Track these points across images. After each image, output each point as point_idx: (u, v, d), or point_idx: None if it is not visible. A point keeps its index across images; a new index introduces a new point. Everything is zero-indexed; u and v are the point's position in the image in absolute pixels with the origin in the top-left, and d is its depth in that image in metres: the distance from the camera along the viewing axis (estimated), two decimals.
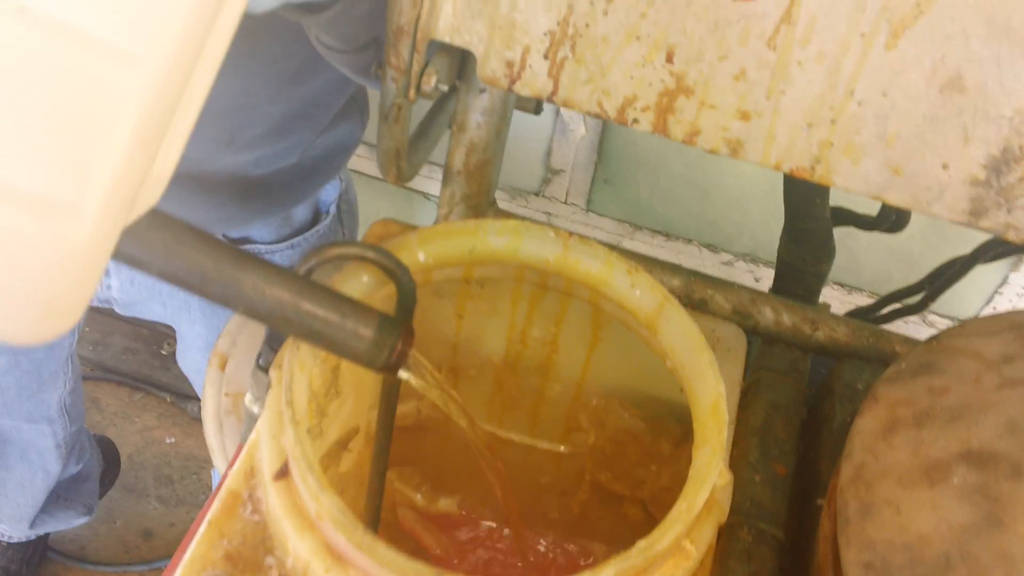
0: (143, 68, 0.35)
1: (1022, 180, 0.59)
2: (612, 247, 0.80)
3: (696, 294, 0.81)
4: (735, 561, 0.65)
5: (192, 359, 1.25)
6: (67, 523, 1.54)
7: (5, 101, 0.33)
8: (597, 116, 0.65)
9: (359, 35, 0.69)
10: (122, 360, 1.90)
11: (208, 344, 1.19)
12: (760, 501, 0.69)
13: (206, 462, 1.79)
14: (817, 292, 0.83)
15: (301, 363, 0.59)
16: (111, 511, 1.70)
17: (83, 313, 0.42)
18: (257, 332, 0.97)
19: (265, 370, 0.66)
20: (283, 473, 0.57)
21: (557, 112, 1.38)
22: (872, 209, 0.86)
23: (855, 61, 0.59)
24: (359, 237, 1.26)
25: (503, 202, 1.52)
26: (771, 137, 0.63)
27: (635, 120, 0.65)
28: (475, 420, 0.72)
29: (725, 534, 0.67)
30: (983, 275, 1.26)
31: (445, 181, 0.79)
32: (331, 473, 0.77)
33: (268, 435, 0.59)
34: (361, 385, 0.77)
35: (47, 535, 1.61)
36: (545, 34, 0.63)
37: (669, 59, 0.62)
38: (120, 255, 0.50)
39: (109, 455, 1.67)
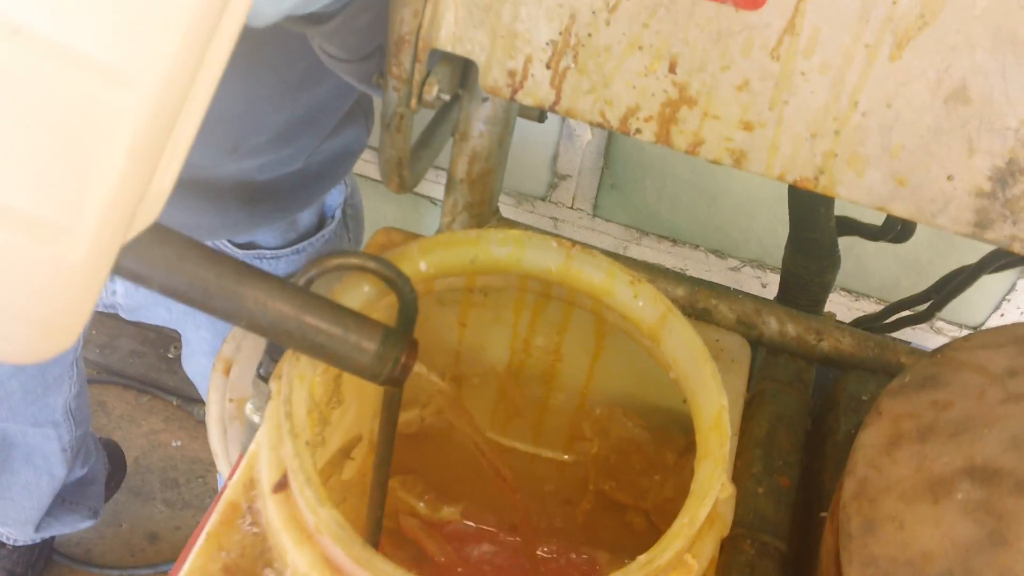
0: (139, 88, 0.35)
1: None
2: (616, 257, 0.79)
3: (700, 303, 0.80)
4: (738, 574, 0.65)
5: (198, 363, 1.25)
6: (72, 526, 1.54)
7: None
8: (600, 126, 0.65)
9: (362, 45, 0.69)
10: (129, 363, 1.90)
11: (213, 349, 1.19)
12: (763, 513, 0.68)
13: (212, 466, 1.79)
14: (822, 302, 0.83)
15: (300, 374, 0.59)
16: (117, 514, 1.71)
17: (81, 331, 0.42)
18: (261, 338, 0.97)
19: (265, 380, 0.66)
20: (282, 485, 0.57)
21: (563, 117, 1.37)
22: (877, 219, 0.86)
23: (859, 72, 0.59)
24: (364, 241, 1.26)
25: (509, 207, 1.52)
26: (774, 148, 0.63)
27: (638, 130, 0.64)
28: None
29: (728, 547, 0.66)
30: (991, 282, 1.25)
31: (448, 190, 0.79)
32: (333, 481, 0.77)
33: (267, 447, 0.59)
34: (364, 393, 0.77)
35: (52, 538, 1.62)
36: (547, 44, 0.63)
37: (672, 69, 0.62)
38: (121, 270, 0.50)
39: (115, 458, 1.67)
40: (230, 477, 0.61)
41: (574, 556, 0.98)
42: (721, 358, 0.76)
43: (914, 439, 0.56)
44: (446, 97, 0.66)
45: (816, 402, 0.78)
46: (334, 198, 1.13)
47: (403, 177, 0.71)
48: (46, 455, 1.38)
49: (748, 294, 0.81)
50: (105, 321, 1.92)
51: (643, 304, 0.66)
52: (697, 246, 1.49)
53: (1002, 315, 1.41)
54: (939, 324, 1.44)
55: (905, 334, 1.25)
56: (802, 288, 0.81)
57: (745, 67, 0.61)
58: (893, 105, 0.59)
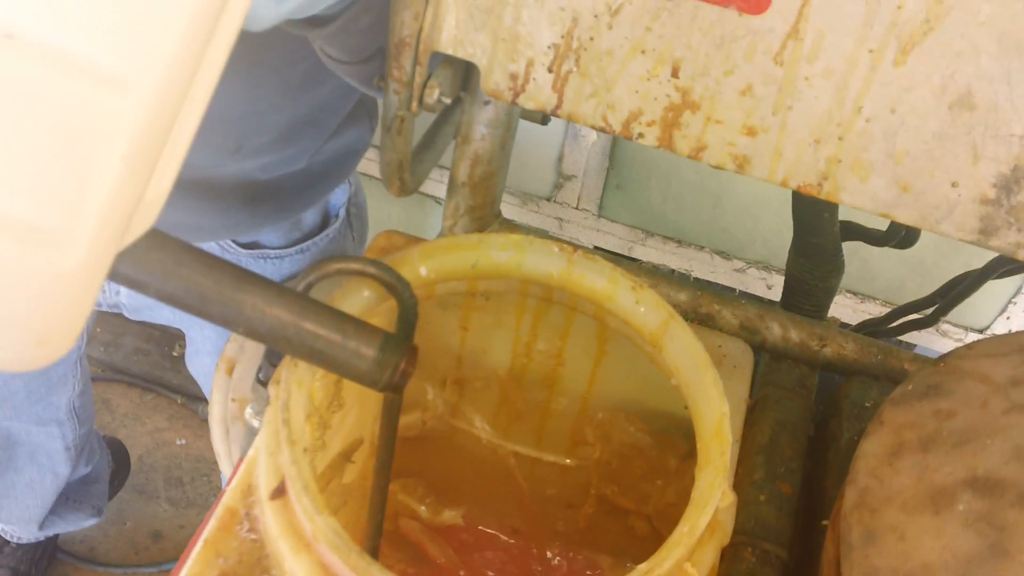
0: (135, 94, 0.35)
1: None
2: (619, 261, 0.79)
3: (703, 308, 0.80)
4: None
5: (201, 363, 1.25)
6: (76, 524, 1.54)
7: None
8: (602, 130, 0.64)
9: (363, 47, 0.69)
10: (133, 361, 1.90)
11: (217, 348, 1.19)
12: (765, 521, 0.68)
13: (216, 464, 1.79)
14: (826, 307, 0.82)
15: (299, 380, 0.59)
16: (121, 512, 1.71)
17: (77, 338, 0.41)
18: None
19: (264, 384, 0.66)
20: (280, 492, 0.56)
21: None
22: (882, 224, 0.85)
23: (863, 77, 0.58)
24: (368, 241, 1.26)
25: (514, 207, 1.52)
26: (778, 153, 0.62)
27: (640, 135, 0.64)
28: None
29: (728, 555, 0.66)
30: (997, 284, 1.24)
31: (449, 193, 0.79)
32: (334, 485, 0.77)
33: (265, 453, 0.59)
34: (365, 396, 0.76)
35: (56, 536, 1.62)
36: (549, 47, 0.62)
37: (674, 74, 0.61)
38: (117, 276, 0.50)
39: (119, 456, 1.67)
40: (228, 483, 0.61)
41: (576, 559, 0.98)
42: (724, 364, 0.76)
43: (916, 449, 0.55)
44: (447, 100, 0.65)
45: (819, 408, 0.77)
46: (338, 197, 1.13)
47: (404, 180, 0.71)
48: (50, 453, 1.38)
49: (751, 300, 0.81)
50: (109, 319, 1.93)
51: (645, 310, 0.66)
52: (702, 247, 1.48)
53: (1008, 318, 1.40)
54: (945, 327, 1.44)
55: (910, 336, 1.24)
56: (806, 293, 0.80)
57: (748, 72, 0.60)
58: (897, 111, 0.59)
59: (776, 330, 0.79)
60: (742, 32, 0.59)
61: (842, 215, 0.81)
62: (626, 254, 1.53)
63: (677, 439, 0.80)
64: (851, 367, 0.78)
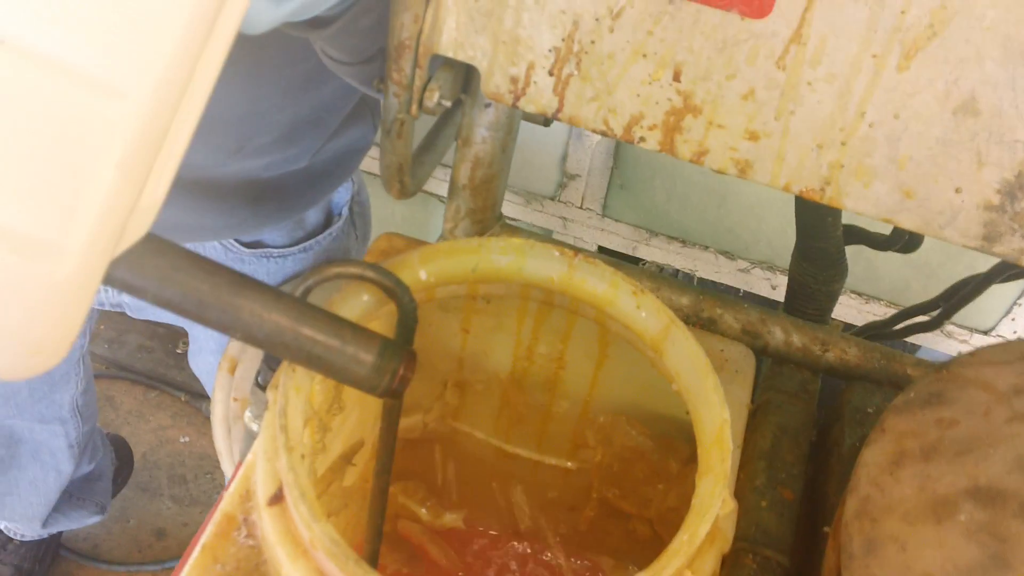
0: (128, 101, 0.34)
1: None
2: (620, 264, 0.79)
3: (705, 312, 0.79)
4: None
5: (204, 361, 1.25)
6: (80, 522, 1.54)
7: None
8: (603, 134, 0.64)
9: (364, 48, 0.69)
10: (137, 358, 1.90)
11: (220, 346, 1.19)
12: (766, 527, 0.67)
13: (220, 462, 1.79)
14: (829, 311, 0.82)
15: (297, 385, 0.58)
16: (124, 510, 1.71)
17: (70, 347, 0.41)
18: None
19: (263, 388, 0.66)
20: (278, 498, 0.56)
21: None
22: (885, 228, 0.84)
23: (866, 82, 0.58)
24: (371, 240, 1.25)
25: (518, 206, 1.51)
26: (780, 158, 0.62)
27: (642, 139, 0.63)
28: None
29: (729, 561, 0.66)
30: (1002, 286, 1.24)
31: (450, 195, 0.78)
32: (334, 488, 0.77)
33: (263, 458, 0.58)
34: (365, 399, 0.76)
35: (60, 534, 1.62)
36: (550, 50, 0.62)
37: (676, 77, 0.61)
38: (114, 282, 0.50)
39: (122, 454, 1.67)
40: (226, 488, 0.60)
41: (577, 562, 0.98)
42: (725, 368, 0.75)
43: (918, 458, 0.55)
44: (447, 103, 0.65)
45: (821, 413, 0.77)
46: (341, 196, 1.13)
47: (404, 183, 0.70)
48: (53, 451, 1.38)
49: (753, 304, 0.80)
50: (113, 316, 1.93)
51: (646, 315, 0.65)
52: (706, 247, 1.47)
53: (1013, 319, 1.39)
54: (949, 328, 1.43)
55: (915, 337, 1.23)
56: (809, 297, 0.80)
57: (751, 76, 0.60)
58: (901, 116, 0.58)
59: (778, 334, 0.78)
60: (744, 36, 0.58)
61: (845, 219, 0.80)
62: (630, 254, 1.52)
63: (679, 443, 0.80)
64: (854, 372, 0.77)
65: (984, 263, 0.86)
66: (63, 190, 0.34)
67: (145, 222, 0.41)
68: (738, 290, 1.51)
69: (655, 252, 1.50)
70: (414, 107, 0.65)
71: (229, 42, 0.39)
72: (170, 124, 0.37)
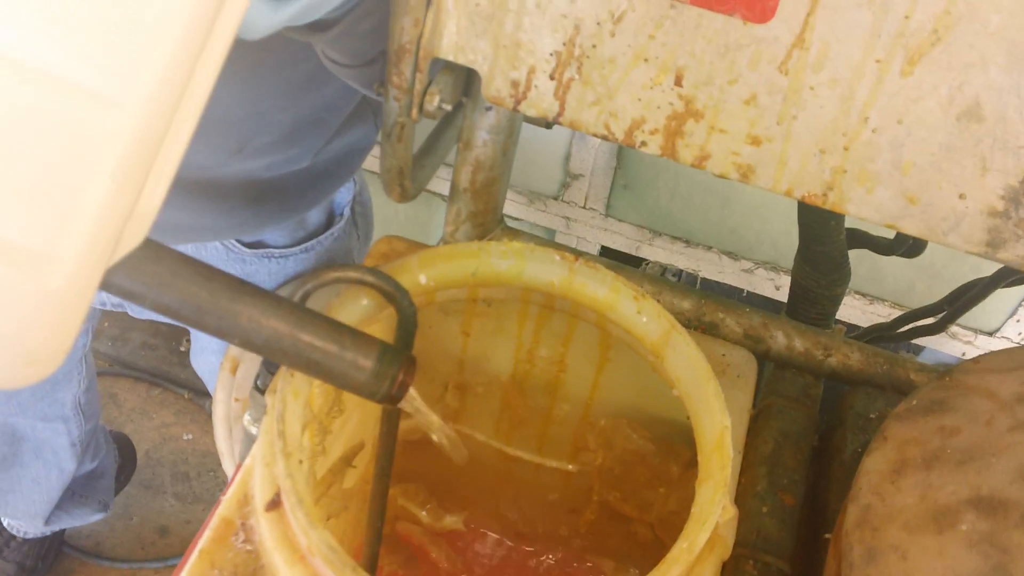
0: (122, 111, 0.34)
1: None
2: (621, 268, 0.78)
3: (707, 316, 0.79)
4: None
5: (206, 360, 1.25)
6: (82, 519, 1.55)
7: None
8: (604, 138, 0.63)
9: (365, 50, 0.68)
10: (140, 356, 1.90)
11: (222, 347, 1.19)
12: (767, 533, 0.67)
13: None
14: (831, 315, 0.81)
15: (295, 390, 0.58)
16: (128, 507, 1.71)
17: (65, 356, 0.41)
18: None
19: (263, 392, 0.65)
20: (275, 504, 0.56)
21: None
22: (889, 232, 0.84)
23: (869, 88, 0.57)
24: (373, 240, 1.25)
25: (521, 206, 1.51)
26: (782, 163, 0.61)
27: (643, 143, 0.63)
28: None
29: (730, 567, 0.65)
30: (1007, 288, 1.23)
31: (451, 199, 0.78)
32: (334, 490, 0.76)
33: (262, 463, 0.58)
34: (366, 401, 0.76)
35: (63, 531, 1.62)
36: (551, 54, 0.62)
37: (678, 82, 0.61)
38: (112, 288, 0.50)
39: (125, 452, 1.67)
40: (224, 493, 0.60)
41: (578, 564, 0.98)
42: (727, 373, 0.75)
43: (919, 467, 0.55)
44: (447, 107, 0.64)
45: (823, 418, 0.76)
46: (343, 196, 1.12)
47: (404, 187, 0.70)
48: (55, 449, 1.38)
49: (756, 308, 0.80)
50: (117, 314, 1.92)
51: (647, 320, 0.65)
52: (710, 247, 1.47)
53: (1018, 320, 1.39)
54: (954, 329, 1.42)
55: (919, 338, 1.22)
56: (811, 301, 0.79)
57: (753, 81, 0.59)
58: (904, 121, 0.58)
59: (781, 339, 0.78)
60: (746, 41, 0.58)
61: (849, 222, 0.80)
62: (633, 254, 1.52)
63: (680, 446, 0.80)
64: (856, 377, 0.77)
65: (989, 266, 0.85)
66: (56, 200, 0.34)
67: (141, 230, 0.41)
68: (742, 291, 1.51)
69: (658, 252, 1.50)
70: (414, 111, 0.64)
71: (226, 48, 0.39)
72: (166, 132, 0.37)
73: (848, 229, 0.80)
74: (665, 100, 0.61)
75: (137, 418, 1.82)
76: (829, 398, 0.78)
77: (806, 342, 0.77)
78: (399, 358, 0.57)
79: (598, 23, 0.60)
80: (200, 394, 1.86)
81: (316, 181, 1.03)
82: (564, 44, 0.61)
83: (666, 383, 0.67)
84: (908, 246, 0.83)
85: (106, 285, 0.49)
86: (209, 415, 1.84)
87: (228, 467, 1.11)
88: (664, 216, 1.46)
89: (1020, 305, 1.37)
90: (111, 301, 1.15)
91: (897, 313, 1.44)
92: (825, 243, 0.76)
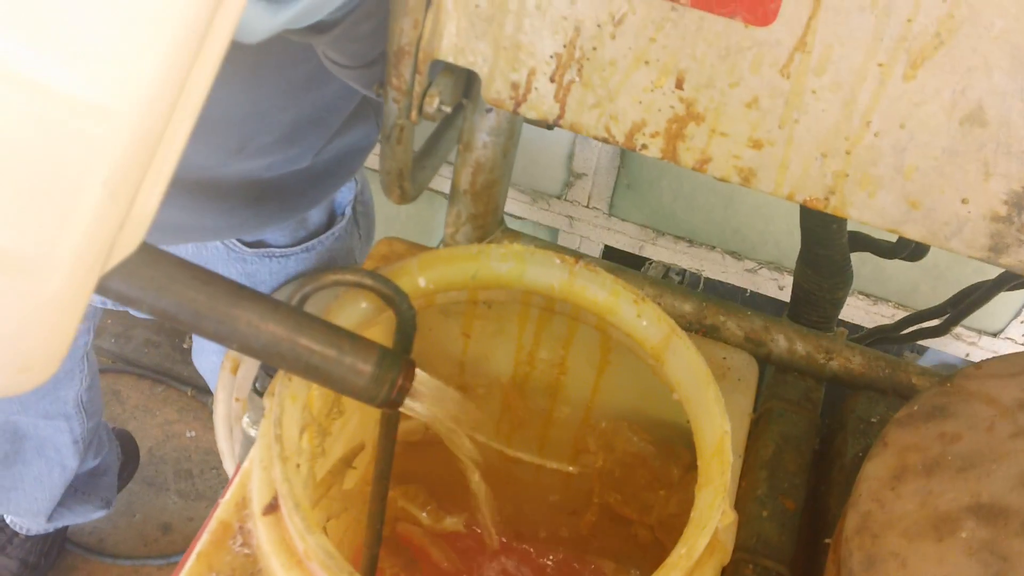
0: (115, 120, 0.34)
1: None
2: (622, 270, 0.78)
3: (708, 320, 0.79)
4: None
5: (208, 359, 1.25)
6: (85, 516, 1.55)
7: None
8: (605, 141, 0.63)
9: (366, 52, 0.68)
10: (144, 353, 1.90)
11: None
12: (767, 537, 0.67)
13: None
14: (833, 319, 0.81)
15: (293, 394, 0.58)
16: (130, 504, 1.71)
17: (60, 363, 0.41)
18: None
19: (261, 394, 0.65)
20: (273, 508, 0.56)
21: None
22: (891, 235, 0.83)
23: (872, 91, 0.57)
24: (375, 239, 1.25)
25: (524, 205, 1.50)
26: (784, 167, 0.61)
27: (644, 146, 0.63)
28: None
29: (729, 572, 0.65)
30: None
31: (451, 200, 0.78)
32: (334, 491, 0.76)
33: (259, 466, 0.58)
34: None
35: (65, 528, 1.62)
36: (551, 56, 0.61)
37: (679, 85, 0.60)
38: (110, 293, 0.49)
39: (128, 449, 1.67)
40: (222, 496, 0.60)
41: (579, 565, 0.97)
42: (728, 376, 0.74)
43: (920, 473, 0.54)
44: (447, 109, 0.64)
45: (825, 422, 0.76)
46: (344, 195, 1.12)
47: (404, 188, 0.70)
48: (58, 447, 1.38)
49: (757, 312, 0.80)
50: (120, 311, 1.93)
51: (647, 324, 0.65)
52: (713, 247, 1.47)
53: (1022, 322, 1.38)
54: (958, 330, 1.42)
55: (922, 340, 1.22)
56: (813, 304, 0.79)
57: (754, 84, 0.59)
58: (907, 126, 0.57)
59: (782, 342, 0.78)
60: (748, 44, 0.58)
61: (851, 225, 0.79)
62: (636, 253, 1.51)
63: (680, 449, 0.80)
64: (858, 380, 0.77)
65: (994, 268, 0.85)
66: (49, 207, 0.34)
67: (136, 236, 0.41)
68: (745, 290, 1.50)
69: (662, 252, 1.50)
70: (414, 113, 0.64)
71: (222, 52, 0.39)
72: (160, 138, 0.37)
73: (850, 232, 0.79)
74: (666, 103, 0.61)
75: (140, 415, 1.83)
76: (830, 402, 0.77)
77: (807, 345, 0.77)
78: (398, 362, 0.57)
79: (598, 25, 0.59)
80: (203, 391, 1.86)
81: (317, 181, 1.03)
82: (564, 46, 0.61)
83: (666, 387, 0.66)
84: (910, 250, 0.82)
85: (103, 290, 0.49)
86: (212, 413, 1.84)
87: (229, 467, 1.10)
88: (667, 216, 1.46)
89: None
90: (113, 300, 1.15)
91: (901, 314, 1.43)
92: (827, 246, 0.76)
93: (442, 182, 1.53)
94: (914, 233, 0.60)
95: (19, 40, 0.31)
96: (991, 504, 0.51)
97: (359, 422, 0.78)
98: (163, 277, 0.50)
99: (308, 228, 1.10)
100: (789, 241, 1.41)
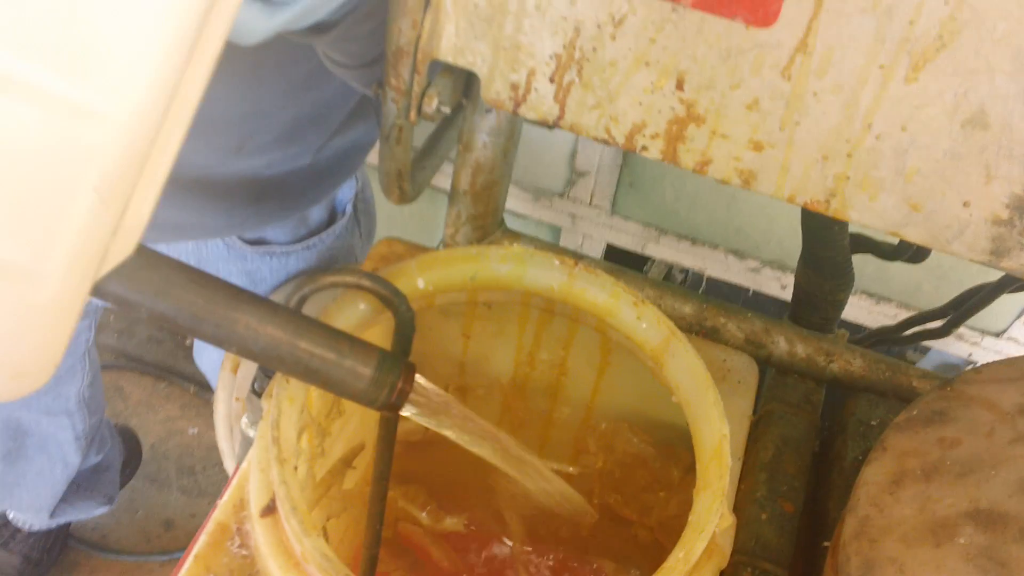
0: (105, 124, 0.34)
1: None
2: (623, 271, 0.78)
3: (708, 321, 0.78)
4: None
5: (209, 358, 1.25)
6: (87, 512, 1.55)
7: None
8: (605, 142, 0.63)
9: (366, 51, 0.68)
10: (146, 349, 1.91)
11: None
12: (765, 540, 0.67)
13: None
14: (834, 320, 0.80)
15: (290, 396, 0.58)
16: (133, 501, 1.72)
17: (55, 369, 0.41)
18: None
19: (260, 395, 0.65)
20: (270, 510, 0.56)
21: None
22: (893, 237, 0.83)
23: (873, 94, 0.57)
24: (376, 237, 1.25)
25: (526, 202, 1.50)
26: (785, 169, 0.61)
27: (644, 147, 0.63)
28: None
29: (728, 574, 0.65)
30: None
31: (451, 201, 0.77)
32: (334, 491, 0.76)
33: (257, 468, 0.58)
34: None
35: (68, 524, 1.63)
36: (551, 57, 0.61)
37: (679, 86, 0.60)
38: (108, 297, 0.49)
39: (130, 445, 1.68)
40: (220, 497, 0.60)
41: (578, 565, 0.97)
42: (728, 378, 0.74)
43: (919, 478, 0.54)
44: (446, 110, 0.64)
45: (825, 424, 0.76)
46: (345, 193, 1.12)
47: (404, 189, 0.69)
48: (60, 443, 1.38)
49: (757, 314, 0.79)
50: None
51: (646, 326, 0.65)
52: (716, 246, 1.46)
53: None
54: (960, 330, 1.41)
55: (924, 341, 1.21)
56: (814, 306, 0.79)
57: (755, 86, 0.58)
58: (908, 128, 0.57)
59: (782, 344, 0.77)
60: (749, 45, 0.57)
61: (853, 227, 0.79)
62: (639, 252, 1.51)
63: (680, 451, 0.79)
64: (858, 383, 0.76)
65: (996, 270, 0.84)
66: (40, 214, 0.34)
67: (130, 242, 0.41)
68: (748, 289, 1.50)
69: (664, 251, 1.49)
70: (412, 113, 0.64)
71: (216, 55, 0.39)
72: (152, 144, 0.37)
73: (852, 234, 0.79)
74: (666, 104, 0.61)
75: (143, 412, 1.83)
76: (831, 404, 0.77)
77: (808, 348, 0.77)
78: (398, 365, 0.57)
79: (598, 26, 0.59)
80: (206, 388, 1.86)
81: (317, 179, 1.03)
82: (564, 47, 0.60)
83: (666, 389, 0.66)
84: (912, 252, 0.82)
85: (101, 294, 0.49)
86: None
87: (230, 466, 1.10)
88: (670, 214, 1.45)
89: None
90: None
91: (904, 313, 1.43)
92: (828, 248, 0.75)
93: (445, 180, 1.53)
94: (915, 236, 0.60)
95: (10, 46, 0.31)
96: (990, 510, 0.51)
97: (359, 422, 0.78)
98: (161, 281, 0.50)
99: (309, 226, 1.10)
100: (792, 240, 1.41)
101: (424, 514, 0.88)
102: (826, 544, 0.63)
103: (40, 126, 0.33)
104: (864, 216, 0.60)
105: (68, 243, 0.35)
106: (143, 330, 1.93)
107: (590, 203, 1.48)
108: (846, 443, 0.71)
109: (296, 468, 0.55)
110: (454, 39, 0.61)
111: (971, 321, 1.40)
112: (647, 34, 0.59)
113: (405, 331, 0.62)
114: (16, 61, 0.31)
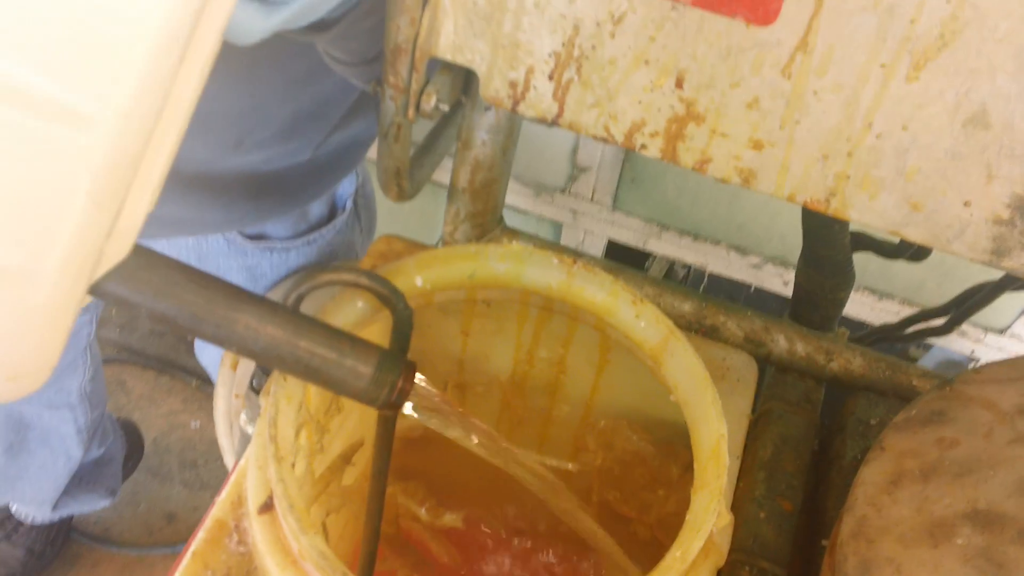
0: (98, 128, 0.34)
1: None
2: (622, 270, 0.78)
3: (707, 320, 0.78)
4: None
5: (210, 353, 1.25)
6: (90, 506, 1.55)
7: None
8: (604, 141, 0.63)
9: (367, 48, 0.68)
10: (148, 343, 1.91)
11: None
12: (764, 539, 0.67)
13: None
14: (835, 319, 0.80)
15: (288, 394, 0.58)
16: (135, 494, 1.72)
17: (51, 371, 0.41)
18: None
19: (258, 392, 0.65)
20: (268, 507, 0.56)
21: None
22: (893, 236, 0.83)
23: (874, 93, 0.56)
24: (376, 232, 1.25)
25: (528, 198, 1.50)
26: (785, 168, 0.60)
27: (643, 146, 0.62)
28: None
29: (725, 573, 0.65)
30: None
31: (450, 199, 0.77)
32: (333, 487, 0.76)
33: (255, 465, 0.58)
34: None
35: (71, 517, 1.63)
36: (550, 55, 0.61)
37: (679, 85, 0.60)
38: (107, 297, 0.49)
39: (132, 439, 1.68)
40: (219, 494, 0.60)
41: (578, 562, 0.97)
42: (727, 377, 0.74)
43: (916, 478, 0.54)
44: (445, 108, 0.64)
45: (824, 423, 0.76)
46: (345, 188, 1.12)
47: (402, 187, 0.69)
48: (62, 436, 1.39)
49: (757, 312, 0.79)
50: None
51: (645, 325, 0.64)
52: (718, 242, 1.46)
53: None
54: (963, 327, 1.41)
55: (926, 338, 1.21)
56: (815, 304, 0.78)
57: (755, 84, 0.58)
58: (909, 128, 0.57)
59: (782, 343, 0.77)
60: (749, 44, 0.57)
61: (853, 226, 0.79)
62: (641, 247, 1.51)
63: (679, 448, 0.79)
64: (858, 382, 0.76)
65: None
66: (33, 218, 0.34)
67: (125, 244, 0.41)
68: (749, 286, 1.50)
69: (666, 247, 1.49)
70: (411, 111, 0.64)
71: (210, 57, 0.38)
72: (145, 146, 0.37)
73: (853, 232, 0.79)
74: (666, 103, 0.60)
75: (145, 405, 1.83)
76: (830, 403, 0.77)
77: (808, 346, 0.77)
78: (398, 364, 0.57)
79: (598, 24, 0.59)
80: (208, 382, 1.86)
81: (317, 174, 1.03)
82: (563, 45, 0.60)
83: (664, 388, 0.66)
84: (913, 251, 0.82)
85: (100, 294, 0.49)
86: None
87: (230, 462, 1.11)
88: (672, 210, 1.45)
89: None
90: None
91: (907, 310, 1.42)
92: (829, 247, 0.75)
93: (446, 175, 1.53)
94: (916, 235, 0.60)
95: (3, 48, 0.31)
96: (988, 511, 0.51)
97: (358, 419, 0.78)
98: (161, 281, 0.50)
99: (309, 221, 1.10)
100: (794, 237, 1.40)
101: (423, 510, 0.88)
102: (824, 543, 0.63)
103: (30, 129, 0.33)
104: (864, 215, 0.60)
105: (62, 245, 0.35)
106: (145, 324, 1.93)
107: (592, 199, 1.48)
108: (845, 442, 0.71)
109: (294, 465, 0.55)
110: (452, 37, 0.61)
111: (974, 318, 1.40)
112: (647, 32, 0.58)
113: (403, 329, 0.61)
114: (4, 65, 0.31)
